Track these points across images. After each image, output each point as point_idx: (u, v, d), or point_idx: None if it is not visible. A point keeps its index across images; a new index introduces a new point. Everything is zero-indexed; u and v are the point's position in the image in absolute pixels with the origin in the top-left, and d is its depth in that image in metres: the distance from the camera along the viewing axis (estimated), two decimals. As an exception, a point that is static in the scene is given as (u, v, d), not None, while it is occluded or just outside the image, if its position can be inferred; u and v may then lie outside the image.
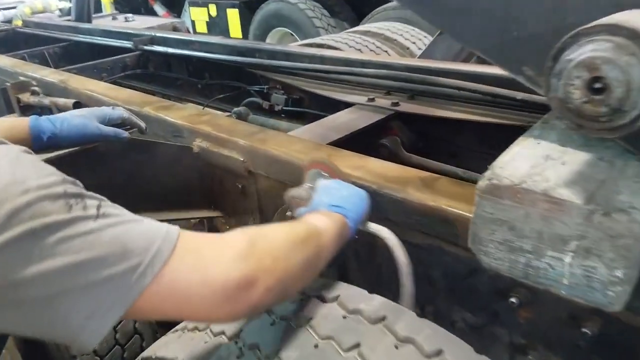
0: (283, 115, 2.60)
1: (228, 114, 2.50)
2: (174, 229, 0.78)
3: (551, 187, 0.80)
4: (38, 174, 0.68)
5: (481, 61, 2.75)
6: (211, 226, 1.91)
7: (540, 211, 0.81)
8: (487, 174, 0.86)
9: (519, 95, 1.80)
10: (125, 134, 1.43)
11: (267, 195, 1.59)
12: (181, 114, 1.80)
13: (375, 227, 1.15)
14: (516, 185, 0.82)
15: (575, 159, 0.87)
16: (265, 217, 1.65)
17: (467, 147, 2.09)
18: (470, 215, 1.09)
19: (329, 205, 1.07)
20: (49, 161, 0.75)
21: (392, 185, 1.23)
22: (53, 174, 0.71)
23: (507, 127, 1.90)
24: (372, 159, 1.41)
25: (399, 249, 1.10)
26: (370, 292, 1.43)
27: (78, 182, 0.75)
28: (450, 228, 1.14)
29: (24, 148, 0.75)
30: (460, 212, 1.11)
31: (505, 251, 0.89)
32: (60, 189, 0.69)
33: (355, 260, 1.43)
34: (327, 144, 1.72)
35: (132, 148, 1.49)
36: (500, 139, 1.96)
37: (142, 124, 1.53)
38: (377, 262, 1.38)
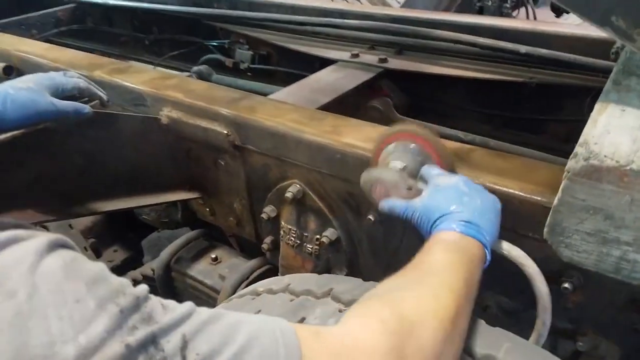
0: (250, 73, 2.34)
1: (187, 74, 2.21)
2: (292, 342, 0.53)
3: (669, 168, 0.65)
4: (74, 319, 0.43)
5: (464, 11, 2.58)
6: (185, 208, 1.68)
7: (652, 198, 0.66)
8: (581, 152, 0.70)
9: (523, 48, 1.65)
10: (86, 108, 1.15)
11: (257, 172, 1.37)
12: (142, 78, 1.52)
13: (508, 248, 0.87)
14: (623, 167, 0.66)
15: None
16: (254, 197, 1.44)
17: (459, 106, 1.93)
18: (521, 194, 0.96)
19: (461, 223, 0.80)
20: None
21: (421, 161, 1.05)
22: (101, 309, 0.45)
23: (505, 83, 1.76)
24: (387, 128, 1.22)
25: (540, 280, 0.85)
26: (384, 277, 1.29)
27: (143, 301, 0.49)
28: (495, 209, 0.98)
29: (46, 242, 0.48)
30: (510, 190, 0.95)
31: (594, 243, 0.74)
32: (117, 345, 0.43)
33: (367, 243, 1.25)
34: (317, 108, 1.52)
35: (89, 123, 1.22)
36: (495, 96, 1.86)
37: (104, 94, 1.25)
38: (393, 246, 1.21)
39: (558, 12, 3.98)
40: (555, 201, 0.74)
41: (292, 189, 1.26)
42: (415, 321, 0.63)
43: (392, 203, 0.90)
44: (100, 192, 1.31)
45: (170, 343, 0.47)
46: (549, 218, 0.77)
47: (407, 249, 1.19)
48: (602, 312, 0.98)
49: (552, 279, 0.99)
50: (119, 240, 2.05)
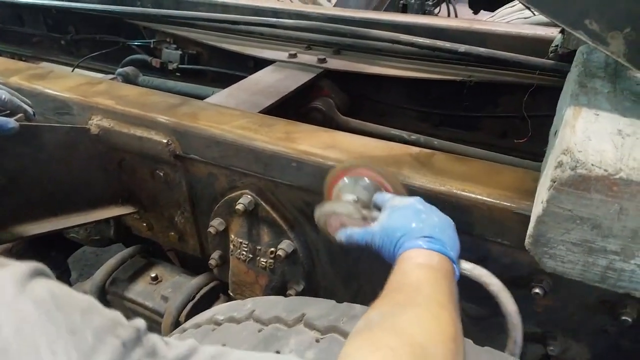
0: (178, 74, 2.20)
1: (111, 76, 2.04)
2: None
3: (657, 176, 0.64)
4: (71, 355, 0.36)
5: (403, 11, 2.57)
6: (118, 223, 1.53)
7: (641, 205, 0.65)
8: (566, 160, 0.67)
9: (462, 47, 1.65)
10: (11, 122, 1.00)
11: (201, 183, 1.27)
12: (66, 84, 1.36)
13: (470, 268, 0.86)
14: (612, 176, 0.65)
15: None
16: (198, 209, 1.33)
17: (397, 105, 1.92)
18: (489, 199, 0.93)
19: (425, 239, 0.78)
20: None
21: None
22: (100, 342, 0.38)
23: (443, 82, 1.77)
24: (340, 133, 1.17)
25: (507, 297, 0.84)
26: (345, 286, 1.23)
27: (144, 334, 0.43)
28: (462, 215, 0.96)
29: (27, 269, 0.41)
30: (478, 196, 0.93)
31: (580, 253, 0.73)
32: None
33: (326, 254, 1.19)
34: (259, 112, 1.43)
35: (9, 138, 1.06)
36: (433, 94, 1.87)
37: (29, 107, 1.09)
38: (355, 255, 1.16)
39: (476, 9, 4.14)
40: (540, 212, 0.72)
41: (243, 200, 1.17)
42: (425, 345, 0.59)
43: (350, 231, 0.88)
44: (25, 214, 1.15)
45: None
46: (532, 229, 0.75)
47: (368, 258, 1.15)
48: (572, 314, 0.98)
49: (522, 284, 0.99)
50: (42, 260, 1.82)
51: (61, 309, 0.39)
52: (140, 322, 0.44)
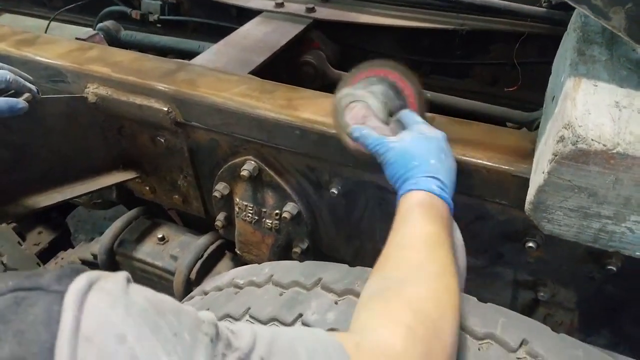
0: (159, 25, 2.14)
1: (93, 32, 1.98)
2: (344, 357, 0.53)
3: (651, 150, 0.69)
4: (179, 354, 0.42)
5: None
6: (120, 187, 1.55)
7: (636, 176, 0.70)
8: (567, 135, 0.71)
9: (453, -6, 1.64)
10: (21, 103, 0.99)
11: (203, 149, 1.29)
12: (57, 51, 1.34)
13: None
14: (610, 151, 0.69)
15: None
16: (201, 173, 1.36)
17: (388, 54, 1.92)
18: (489, 163, 0.98)
19: (439, 185, 0.79)
20: None
21: (387, 134, 1.04)
22: (195, 340, 0.44)
23: (434, 31, 1.77)
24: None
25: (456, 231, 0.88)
26: (347, 244, 1.30)
27: (218, 328, 0.49)
28: (463, 178, 1.00)
29: (121, 279, 0.46)
30: (479, 160, 0.98)
31: (576, 217, 0.78)
32: None
33: (329, 215, 1.24)
34: (252, 70, 1.43)
35: (14, 115, 1.07)
36: (424, 43, 1.87)
37: (33, 86, 1.08)
38: (356, 217, 1.21)
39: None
40: (541, 181, 0.77)
41: (248, 167, 1.20)
42: (437, 319, 0.64)
43: (367, 131, 0.85)
44: (34, 187, 1.17)
45: None
46: (532, 196, 0.80)
47: (369, 219, 1.20)
48: (562, 264, 1.06)
49: (517, 238, 1.06)
50: (42, 221, 1.87)
51: (160, 313, 0.44)
52: (212, 316, 0.49)
